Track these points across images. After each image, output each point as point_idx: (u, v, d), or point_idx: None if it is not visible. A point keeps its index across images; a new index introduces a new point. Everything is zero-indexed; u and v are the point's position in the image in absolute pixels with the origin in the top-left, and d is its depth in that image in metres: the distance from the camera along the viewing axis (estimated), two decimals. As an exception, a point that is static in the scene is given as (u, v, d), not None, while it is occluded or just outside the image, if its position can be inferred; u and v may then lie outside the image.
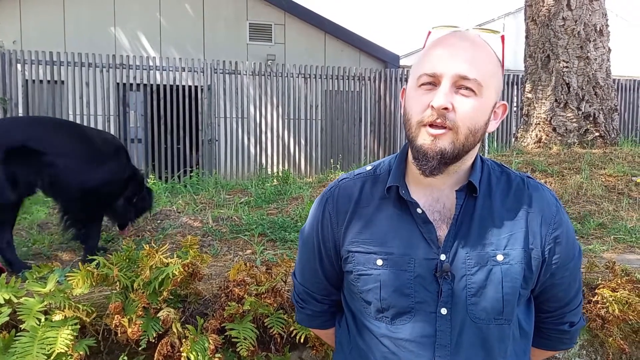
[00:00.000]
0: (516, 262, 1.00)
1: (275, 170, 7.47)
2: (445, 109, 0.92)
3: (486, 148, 7.93)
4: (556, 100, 5.13)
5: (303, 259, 1.19)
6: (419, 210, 1.01)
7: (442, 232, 1.01)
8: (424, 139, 0.95)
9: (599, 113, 5.09)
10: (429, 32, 1.04)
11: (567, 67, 5.08)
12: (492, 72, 0.97)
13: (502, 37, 1.04)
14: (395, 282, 1.00)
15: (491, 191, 1.04)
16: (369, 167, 1.13)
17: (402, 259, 1.01)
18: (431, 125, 0.94)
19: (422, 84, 0.95)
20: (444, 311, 0.99)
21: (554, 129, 5.14)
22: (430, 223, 1.01)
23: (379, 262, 1.02)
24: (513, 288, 1.00)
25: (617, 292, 2.03)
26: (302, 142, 8.31)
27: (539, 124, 5.26)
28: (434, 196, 1.04)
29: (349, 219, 1.07)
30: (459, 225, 1.01)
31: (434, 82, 0.94)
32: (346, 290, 1.14)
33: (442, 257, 0.99)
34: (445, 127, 0.93)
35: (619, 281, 2.09)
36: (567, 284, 1.09)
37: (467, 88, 0.93)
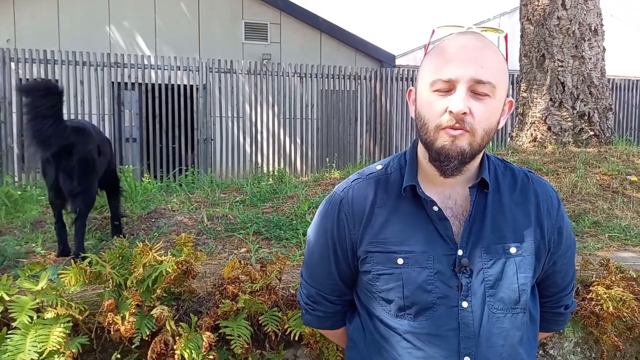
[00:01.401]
0: (528, 253, 1.05)
1: (270, 169, 7.46)
2: (464, 113, 0.95)
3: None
4: (551, 100, 5.15)
5: (314, 262, 1.19)
6: (435, 208, 1.04)
7: (456, 228, 1.05)
8: (444, 140, 0.98)
9: (594, 112, 5.10)
10: (433, 31, 1.07)
11: (562, 66, 5.09)
12: (502, 72, 1.00)
13: (506, 36, 1.08)
14: (417, 280, 1.03)
15: (499, 186, 1.08)
16: (379, 167, 1.15)
17: (421, 256, 1.03)
18: (450, 128, 0.97)
19: (437, 89, 0.97)
20: (465, 304, 1.02)
21: (549, 128, 5.15)
22: (447, 220, 1.04)
23: (400, 260, 1.04)
24: (527, 278, 1.04)
25: (611, 289, 2.04)
26: (298, 141, 8.30)
27: (534, 123, 5.27)
28: (445, 194, 1.07)
29: (366, 220, 1.08)
30: (473, 221, 1.04)
31: (449, 87, 0.96)
32: (361, 290, 1.15)
33: (460, 252, 1.03)
34: (463, 129, 0.97)
35: (613, 278, 2.10)
36: (565, 271, 1.16)
37: (482, 91, 0.96)
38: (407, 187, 1.06)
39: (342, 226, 1.11)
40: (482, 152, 1.06)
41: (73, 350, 1.55)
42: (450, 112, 0.95)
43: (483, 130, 0.98)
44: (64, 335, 1.53)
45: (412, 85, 1.09)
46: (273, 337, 1.75)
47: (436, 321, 1.03)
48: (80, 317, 1.62)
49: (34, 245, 2.72)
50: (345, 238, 1.10)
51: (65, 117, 2.64)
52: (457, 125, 0.96)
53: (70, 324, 1.58)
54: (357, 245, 1.09)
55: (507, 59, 1.04)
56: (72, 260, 1.74)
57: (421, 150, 1.07)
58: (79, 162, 2.54)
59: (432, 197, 1.05)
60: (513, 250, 1.03)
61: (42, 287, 1.62)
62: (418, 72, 1.06)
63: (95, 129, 2.86)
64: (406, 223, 1.06)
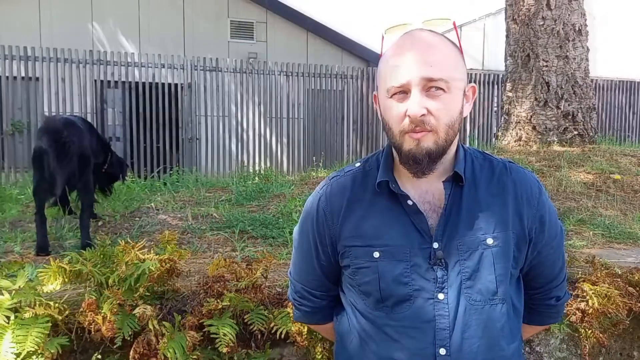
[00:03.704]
0: (505, 243, 1.05)
1: (256, 168, 7.42)
2: (422, 115, 0.97)
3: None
4: (536, 99, 5.20)
5: (299, 258, 1.21)
6: (409, 202, 1.06)
7: (433, 221, 1.06)
8: (410, 144, 1.00)
9: (578, 112, 5.17)
10: (382, 37, 1.09)
11: (546, 66, 5.14)
12: (454, 64, 1.01)
13: (454, 23, 1.10)
14: (393, 272, 1.04)
15: (475, 178, 1.09)
16: (357, 164, 1.17)
17: (398, 249, 1.05)
18: (412, 132, 0.99)
19: (393, 94, 1.00)
20: (441, 296, 1.03)
21: (534, 128, 5.20)
22: (422, 213, 1.06)
23: (376, 254, 1.06)
24: (505, 269, 1.05)
25: (597, 285, 2.05)
26: (285, 140, 8.27)
27: (519, 122, 5.31)
28: (422, 188, 1.08)
29: (344, 215, 1.10)
30: (449, 214, 1.06)
31: (404, 91, 0.99)
32: (344, 285, 1.17)
33: (435, 245, 1.04)
34: (425, 131, 0.99)
35: (599, 275, 2.12)
36: (553, 261, 1.15)
37: (436, 88, 0.98)
38: (381, 183, 1.08)
39: (322, 222, 1.13)
40: (455, 145, 1.08)
41: (52, 351, 1.50)
42: (409, 116, 0.97)
43: (446, 126, 1.00)
44: (42, 335, 1.49)
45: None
46: (259, 336, 1.72)
47: (412, 313, 1.04)
48: (60, 317, 1.57)
49: (12, 244, 2.65)
50: (325, 234, 1.12)
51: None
52: (418, 128, 0.98)
53: (50, 324, 1.54)
54: (336, 240, 1.11)
55: (460, 46, 1.05)
56: (51, 259, 1.69)
57: None
58: (80, 158, 2.65)
59: (409, 192, 1.07)
60: (490, 241, 1.04)
61: (19, 286, 1.57)
62: (376, 78, 1.09)
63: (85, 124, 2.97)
64: (383, 217, 1.07)
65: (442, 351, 1.02)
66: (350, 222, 1.09)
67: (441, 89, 0.98)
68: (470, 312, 1.03)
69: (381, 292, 1.05)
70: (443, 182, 1.06)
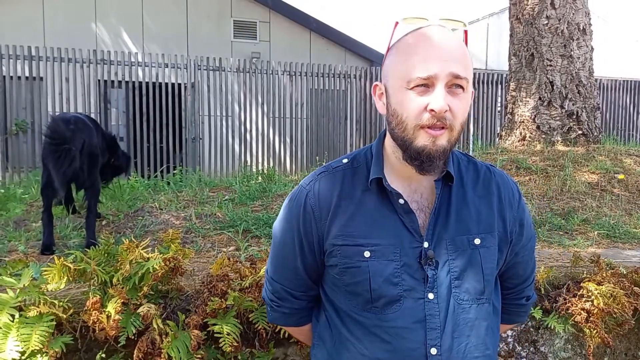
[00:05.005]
0: (491, 244, 1.07)
1: (259, 168, 7.41)
2: (446, 110, 0.96)
3: (471, 147, 7.98)
4: (540, 99, 5.17)
5: (279, 257, 1.17)
6: (401, 201, 1.05)
7: (422, 220, 1.06)
8: (425, 140, 0.98)
9: (582, 111, 5.14)
10: (397, 23, 1.06)
11: (550, 65, 5.12)
12: (470, 65, 1.01)
13: (466, 32, 1.08)
14: (384, 272, 1.03)
15: (462, 179, 1.10)
16: (345, 160, 1.14)
17: (388, 249, 1.04)
18: (430, 127, 0.97)
19: (415, 86, 0.97)
20: (431, 296, 1.03)
21: (538, 127, 5.18)
22: (412, 212, 1.05)
23: (367, 253, 1.04)
24: (491, 269, 1.07)
25: (602, 285, 2.04)
26: (287, 140, 8.26)
27: (523, 122, 5.29)
28: (411, 187, 1.08)
29: (333, 213, 1.07)
30: (438, 213, 1.06)
31: (426, 84, 0.96)
32: (327, 285, 1.13)
33: (425, 244, 1.04)
34: (443, 128, 0.98)
35: (604, 275, 2.10)
36: (526, 262, 1.19)
37: (457, 85, 0.97)
38: (373, 180, 1.07)
39: (309, 219, 1.09)
40: None
41: (56, 350, 1.50)
42: (432, 110, 0.95)
43: (460, 125, 0.99)
44: (47, 334, 1.49)
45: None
46: (263, 335, 1.72)
47: (403, 314, 1.03)
48: (64, 316, 1.57)
49: (17, 243, 2.66)
50: (312, 231, 1.09)
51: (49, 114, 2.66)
52: (439, 123, 0.96)
53: (54, 323, 1.53)
54: (323, 238, 1.08)
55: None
56: (55, 257, 1.69)
57: (389, 145, 1.06)
58: (90, 156, 2.70)
59: (398, 190, 1.05)
60: (477, 241, 1.05)
61: (24, 285, 1.57)
62: (387, 67, 1.05)
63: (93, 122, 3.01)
64: (373, 216, 1.06)
65: (434, 351, 1.02)
66: (340, 220, 1.06)
67: (461, 87, 0.98)
68: (459, 311, 1.04)
69: (372, 292, 1.03)
70: (435, 181, 1.05)
